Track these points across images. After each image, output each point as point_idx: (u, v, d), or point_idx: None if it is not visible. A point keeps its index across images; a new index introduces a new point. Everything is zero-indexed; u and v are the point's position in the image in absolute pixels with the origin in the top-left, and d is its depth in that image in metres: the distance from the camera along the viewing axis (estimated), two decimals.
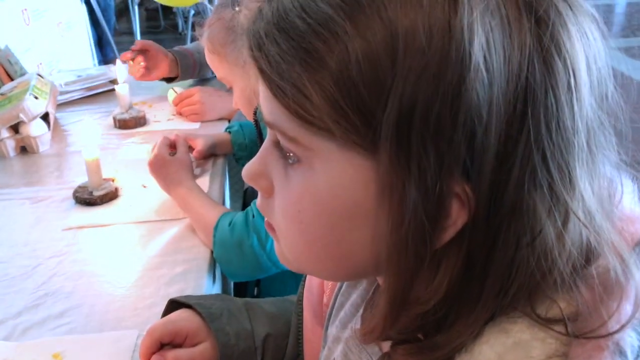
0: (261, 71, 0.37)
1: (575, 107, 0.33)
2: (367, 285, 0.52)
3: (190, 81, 1.65)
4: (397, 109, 0.32)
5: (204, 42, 1.03)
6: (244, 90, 1.02)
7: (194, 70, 1.58)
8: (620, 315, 0.33)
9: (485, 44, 0.32)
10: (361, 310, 0.51)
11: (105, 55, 3.59)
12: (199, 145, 1.16)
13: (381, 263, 0.37)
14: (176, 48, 1.59)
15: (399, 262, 0.36)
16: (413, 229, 0.34)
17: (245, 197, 1.43)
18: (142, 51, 1.49)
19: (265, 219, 0.44)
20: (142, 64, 1.48)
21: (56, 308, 0.80)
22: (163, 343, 0.64)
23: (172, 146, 1.10)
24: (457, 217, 0.34)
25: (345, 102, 0.33)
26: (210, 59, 1.05)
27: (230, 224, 0.89)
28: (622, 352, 0.32)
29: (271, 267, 0.89)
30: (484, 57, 0.31)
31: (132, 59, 1.49)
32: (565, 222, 0.34)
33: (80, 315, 0.78)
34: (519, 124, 0.32)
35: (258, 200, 0.44)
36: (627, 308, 0.33)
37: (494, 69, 0.32)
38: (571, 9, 0.34)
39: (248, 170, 0.43)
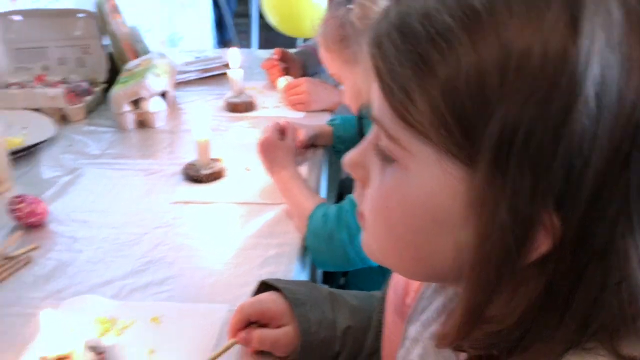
0: (376, 68, 0.38)
1: None
2: (452, 292, 0.52)
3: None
4: (500, 128, 0.33)
5: (319, 39, 1.06)
6: (353, 87, 1.05)
7: (320, 66, 1.64)
8: None
9: (600, 78, 0.31)
10: (443, 317, 0.52)
11: (223, 37, 3.74)
12: (302, 135, 1.19)
13: (462, 273, 0.38)
14: (301, 47, 1.65)
15: (480, 276, 0.37)
16: (498, 247, 0.35)
17: (340, 188, 1.46)
18: (280, 58, 1.59)
19: (359, 207, 0.46)
20: (282, 65, 1.58)
21: (158, 275, 0.86)
22: (250, 321, 0.68)
23: (281, 132, 1.15)
24: (541, 244, 0.35)
25: (448, 112, 0.34)
26: (323, 55, 1.08)
27: (323, 216, 0.92)
28: None
29: (358, 262, 0.91)
30: (596, 91, 0.31)
31: (272, 67, 1.58)
32: None
33: (179, 284, 0.84)
34: (620, 165, 0.32)
35: (355, 189, 0.46)
36: None
37: (603, 106, 0.31)
38: None
39: (349, 158, 0.45)
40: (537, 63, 0.32)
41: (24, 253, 0.91)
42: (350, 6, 0.96)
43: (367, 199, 0.44)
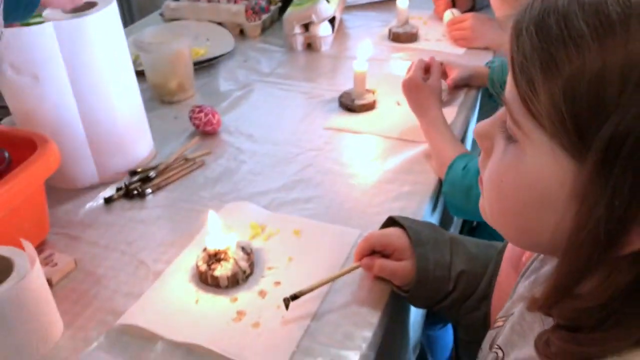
0: (511, 56, 0.43)
1: None
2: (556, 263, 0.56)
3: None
4: (611, 134, 0.36)
5: None
6: None
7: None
8: None
9: None
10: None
11: None
12: (455, 73, 1.20)
13: (559, 250, 0.43)
14: None
15: (572, 258, 0.42)
16: (591, 238, 0.39)
17: None
18: None
19: (481, 173, 0.52)
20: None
21: (305, 194, 0.96)
22: (375, 250, 0.77)
23: (426, 69, 1.14)
24: (635, 240, 0.38)
25: (565, 110, 0.39)
26: None
27: (464, 169, 0.93)
28: None
29: None
30: None
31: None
32: None
33: (321, 204, 0.94)
34: None
35: (479, 155, 0.52)
36: None
37: None
38: None
39: (479, 128, 0.51)
40: None
41: (199, 157, 1.07)
42: None
43: (487, 168, 0.49)
